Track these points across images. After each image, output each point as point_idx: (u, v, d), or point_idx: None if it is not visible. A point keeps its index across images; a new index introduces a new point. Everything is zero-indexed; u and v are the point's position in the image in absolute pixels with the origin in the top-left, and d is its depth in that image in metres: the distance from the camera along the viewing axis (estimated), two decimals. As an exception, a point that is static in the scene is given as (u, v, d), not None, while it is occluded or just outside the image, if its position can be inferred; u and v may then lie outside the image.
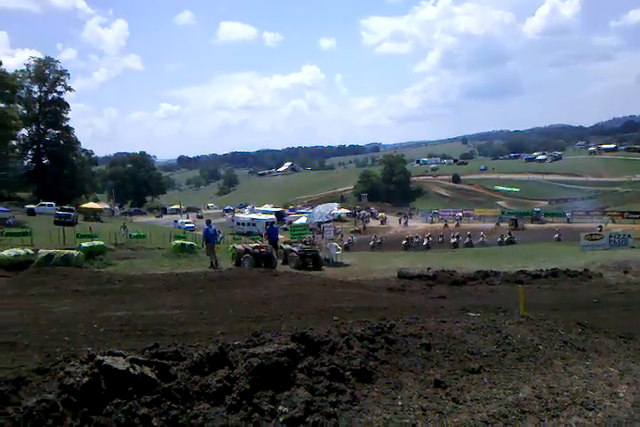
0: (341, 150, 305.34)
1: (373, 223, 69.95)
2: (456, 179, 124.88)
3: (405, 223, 66.00)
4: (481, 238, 42.94)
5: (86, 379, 3.45)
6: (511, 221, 56.13)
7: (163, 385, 3.67)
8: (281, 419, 3.58)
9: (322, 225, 23.08)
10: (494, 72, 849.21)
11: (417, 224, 66.25)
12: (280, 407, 3.70)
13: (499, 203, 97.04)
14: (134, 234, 37.42)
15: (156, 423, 3.33)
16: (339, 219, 58.79)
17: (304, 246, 20.52)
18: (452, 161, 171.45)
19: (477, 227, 55.70)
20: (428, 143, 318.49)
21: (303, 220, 48.15)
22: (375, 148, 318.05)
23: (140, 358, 3.90)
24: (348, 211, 76.11)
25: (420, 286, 12.52)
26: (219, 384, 3.87)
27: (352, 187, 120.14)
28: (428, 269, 14.43)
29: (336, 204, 34.06)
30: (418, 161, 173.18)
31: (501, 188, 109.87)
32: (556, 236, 40.26)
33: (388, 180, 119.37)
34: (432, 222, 67.28)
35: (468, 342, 5.22)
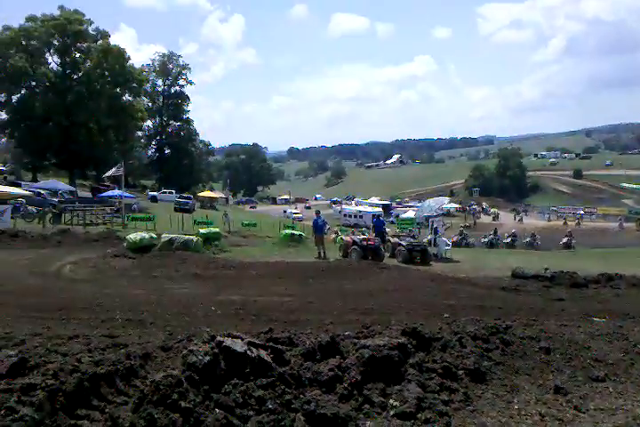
0: (452, 143, 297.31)
1: (485, 219, 67.62)
2: (577, 174, 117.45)
3: (520, 220, 63.08)
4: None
5: (207, 358, 3.63)
6: (638, 221, 51.74)
7: (278, 369, 3.77)
8: (391, 412, 3.57)
9: (430, 219, 22.65)
10: (624, 60, 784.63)
11: (533, 221, 63.05)
12: (391, 401, 3.69)
13: (625, 201, 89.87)
14: (246, 222, 38.89)
15: (270, 406, 3.43)
16: (448, 213, 57.47)
17: (412, 240, 20.27)
18: (573, 155, 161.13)
19: (600, 226, 52.06)
20: (546, 136, 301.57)
21: (411, 213, 47.50)
22: (489, 140, 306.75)
23: (257, 342, 4.04)
24: (457, 205, 74.15)
25: (537, 287, 11.88)
26: (330, 373, 3.92)
27: (463, 181, 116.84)
28: (546, 269, 13.67)
29: (446, 198, 33.28)
30: (535, 155, 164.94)
31: (629, 185, 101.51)
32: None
33: (501, 174, 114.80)
34: (549, 220, 63.84)
35: (591, 348, 4.90)
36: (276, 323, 6.09)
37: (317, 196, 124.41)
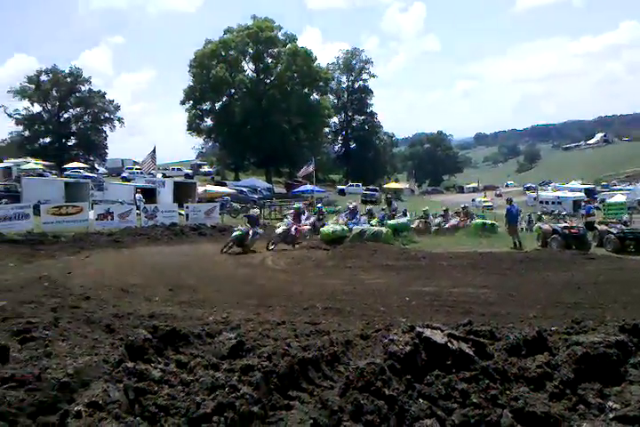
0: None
1: None
2: None
3: None
4: None
5: (408, 348, 3.65)
6: None
7: (480, 363, 3.66)
8: (611, 415, 3.25)
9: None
10: None
11: None
12: (610, 403, 3.37)
13: None
14: (433, 213, 38.36)
15: (475, 400, 3.33)
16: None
17: (624, 228, 18.24)
18: None
19: None
20: None
21: (620, 198, 42.92)
22: None
23: (457, 334, 3.96)
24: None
25: None
26: (539, 369, 3.70)
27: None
28: None
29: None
30: None
31: None
32: None
33: None
34: None
35: None
36: (472, 315, 5.92)
37: (509, 182, 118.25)
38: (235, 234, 16.52)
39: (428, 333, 3.77)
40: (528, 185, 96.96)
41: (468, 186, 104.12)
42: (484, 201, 68.59)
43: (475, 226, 22.16)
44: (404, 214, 25.39)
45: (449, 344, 3.73)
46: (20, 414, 2.98)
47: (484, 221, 23.83)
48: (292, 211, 19.43)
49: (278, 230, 17.38)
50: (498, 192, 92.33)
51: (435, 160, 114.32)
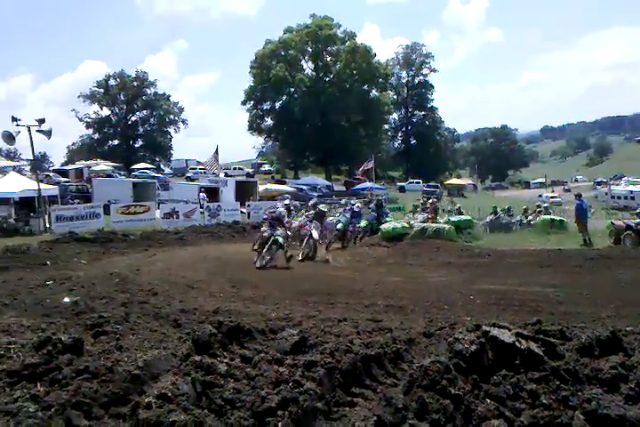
0: None
1: None
2: None
3: None
4: None
5: (474, 347, 3.56)
6: None
7: (550, 363, 3.53)
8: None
9: None
10: None
11: None
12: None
13: None
14: (498, 209, 37.43)
15: (545, 401, 3.22)
16: None
17: None
18: None
19: None
20: None
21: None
22: None
23: (525, 333, 3.84)
24: None
25: None
26: (613, 371, 3.53)
27: None
28: None
29: None
30: None
31: None
32: None
33: None
34: None
35: None
36: (541, 314, 5.72)
37: (578, 177, 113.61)
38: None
39: (494, 331, 3.67)
40: (599, 180, 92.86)
41: (535, 181, 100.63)
42: (552, 196, 66.20)
43: (542, 222, 21.42)
44: (460, 213, 24.76)
45: (517, 344, 3.63)
46: (93, 404, 3.11)
47: (552, 217, 23.01)
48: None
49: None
50: (566, 187, 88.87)
51: (499, 155, 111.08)
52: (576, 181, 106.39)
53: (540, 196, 68.80)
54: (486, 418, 2.99)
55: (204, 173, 47.37)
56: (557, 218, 22.54)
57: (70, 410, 2.98)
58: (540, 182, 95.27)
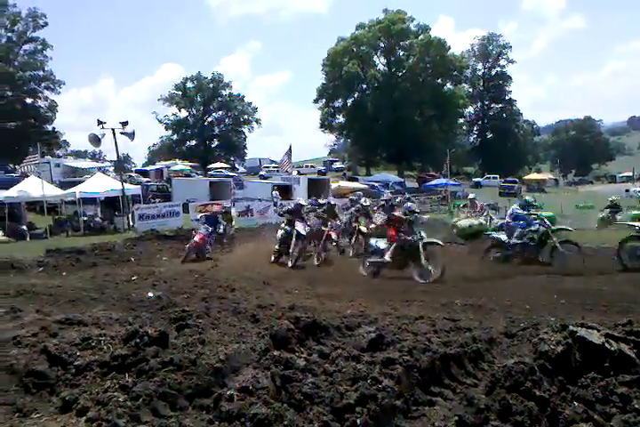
0: None
1: None
2: None
3: None
4: None
5: (560, 348, 3.43)
6: None
7: (643, 366, 3.35)
8: None
9: None
10: None
11: None
12: None
13: None
14: (581, 205, 35.80)
15: (637, 405, 3.07)
16: None
17: None
18: None
19: None
20: None
21: None
22: None
23: (615, 334, 3.66)
24: None
25: None
26: None
27: None
28: None
29: None
30: None
31: None
32: None
33: None
34: None
35: None
36: (632, 315, 5.39)
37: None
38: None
39: (582, 332, 3.53)
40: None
41: (622, 175, 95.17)
42: (641, 191, 62.34)
43: (632, 217, 20.22)
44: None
45: (606, 345, 3.47)
46: (178, 395, 3.23)
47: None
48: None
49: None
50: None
51: (582, 148, 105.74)
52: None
53: (628, 190, 64.92)
54: (574, 422, 2.89)
55: (277, 171, 48.18)
56: (646, 213, 21.20)
57: (157, 400, 3.11)
58: (628, 176, 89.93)
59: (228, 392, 3.02)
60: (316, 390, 3.14)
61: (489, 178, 64.28)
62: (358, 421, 2.83)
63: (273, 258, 12.83)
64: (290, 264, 12.38)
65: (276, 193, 32.72)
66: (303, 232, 12.57)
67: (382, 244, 11.08)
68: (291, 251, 12.51)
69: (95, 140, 23.43)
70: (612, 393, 3.18)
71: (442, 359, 3.81)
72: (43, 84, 56.39)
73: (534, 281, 9.66)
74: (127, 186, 25.87)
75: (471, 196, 19.08)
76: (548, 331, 3.69)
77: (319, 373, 3.48)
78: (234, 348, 3.99)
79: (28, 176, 25.57)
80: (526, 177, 69.83)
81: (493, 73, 78.29)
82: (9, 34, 53.88)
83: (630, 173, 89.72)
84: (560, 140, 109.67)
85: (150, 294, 8.00)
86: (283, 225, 13.38)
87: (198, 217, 15.07)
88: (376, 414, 2.92)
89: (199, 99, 75.89)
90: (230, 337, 4.71)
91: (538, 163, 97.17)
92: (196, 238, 13.82)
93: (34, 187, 22.62)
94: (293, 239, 12.49)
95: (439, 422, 3.07)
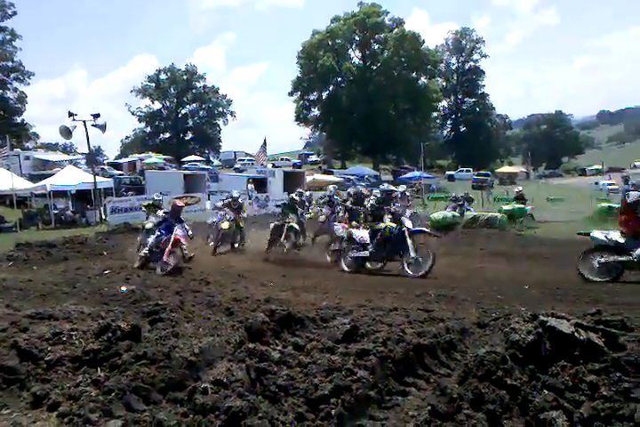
0: None
1: None
2: None
3: None
4: None
5: (531, 337, 3.49)
6: None
7: (611, 354, 3.42)
8: None
9: None
10: None
11: None
12: None
13: None
14: (551, 197, 36.45)
15: (605, 393, 3.13)
16: None
17: None
18: None
19: None
20: None
21: None
22: None
23: (585, 324, 3.73)
24: None
25: None
26: (680, 362, 3.40)
27: None
28: None
29: None
30: None
31: None
32: None
33: None
34: None
35: None
36: (600, 305, 5.52)
37: (637, 163, 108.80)
38: None
39: (552, 322, 3.59)
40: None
41: (591, 168, 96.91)
42: (610, 183, 63.56)
43: (599, 210, 20.66)
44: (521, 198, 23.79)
45: (576, 334, 3.53)
46: (151, 389, 3.20)
47: (609, 204, 22.14)
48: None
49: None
50: (625, 174, 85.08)
51: (552, 142, 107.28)
52: (635, 167, 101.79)
53: (597, 183, 66.19)
54: (544, 409, 2.94)
55: (252, 164, 47.89)
56: (615, 205, 21.67)
57: (130, 395, 3.08)
58: (597, 169, 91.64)
59: (202, 385, 3.00)
60: (290, 381, 3.14)
61: (462, 171, 64.92)
62: (333, 412, 2.84)
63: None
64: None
65: (251, 186, 32.56)
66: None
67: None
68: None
69: (66, 132, 22.99)
70: (581, 381, 3.23)
71: (415, 350, 3.85)
72: (12, 76, 54.99)
73: (506, 271, 9.78)
74: (99, 179, 25.48)
75: (401, 189, 18.93)
76: (519, 321, 3.75)
77: (294, 365, 3.48)
78: (208, 341, 3.97)
79: (-5, 168, 24.99)
80: (498, 170, 70.64)
81: (467, 67, 78.85)
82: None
83: (599, 167, 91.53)
84: (531, 134, 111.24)
85: (124, 288, 7.91)
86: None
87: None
88: (351, 404, 2.94)
89: (173, 91, 75.01)
90: (205, 330, 4.68)
91: (510, 156, 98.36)
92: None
93: (3, 180, 22.13)
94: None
95: (413, 412, 3.10)
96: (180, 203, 12.36)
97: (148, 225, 12.36)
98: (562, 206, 32.95)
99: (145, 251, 10.93)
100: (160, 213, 12.23)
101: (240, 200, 14.81)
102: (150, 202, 13.82)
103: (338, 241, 11.67)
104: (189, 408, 2.84)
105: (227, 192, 29.37)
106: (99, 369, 3.50)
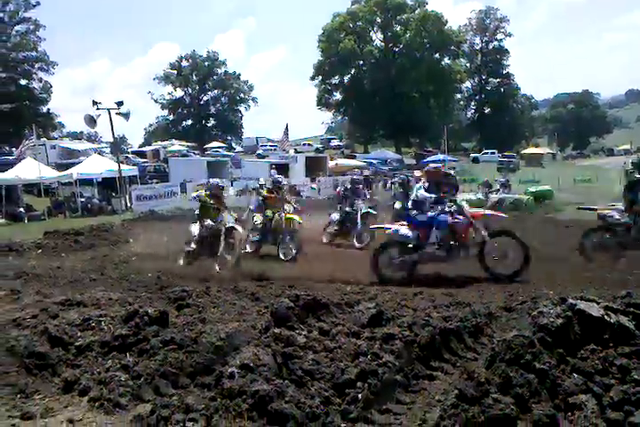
0: None
1: None
2: None
3: None
4: None
5: (560, 321, 3.43)
6: None
7: (642, 337, 3.37)
8: None
9: None
10: None
11: None
12: None
13: None
14: (579, 178, 35.80)
15: (636, 376, 3.08)
16: None
17: None
18: None
19: None
20: None
21: None
22: None
23: (615, 307, 3.66)
24: None
25: None
26: None
27: None
28: None
29: None
30: None
31: None
32: None
33: None
34: None
35: None
36: (631, 287, 5.41)
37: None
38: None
39: (581, 305, 3.53)
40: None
41: (619, 148, 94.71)
42: (639, 163, 62.01)
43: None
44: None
45: (606, 317, 3.47)
46: (179, 374, 3.24)
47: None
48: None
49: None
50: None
51: (579, 122, 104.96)
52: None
53: (625, 163, 64.53)
54: (573, 393, 2.90)
55: (275, 149, 47.93)
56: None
57: (159, 379, 3.12)
58: (625, 150, 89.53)
59: (229, 370, 3.03)
60: (316, 366, 3.15)
61: (487, 153, 64.03)
62: (359, 396, 2.85)
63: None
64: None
65: (274, 172, 32.60)
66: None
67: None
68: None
69: (91, 121, 23.18)
70: (611, 365, 3.19)
71: (441, 334, 3.83)
72: (36, 66, 55.59)
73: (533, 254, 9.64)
74: (124, 167, 25.70)
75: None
76: (547, 304, 3.70)
77: (320, 349, 3.50)
78: (234, 326, 4.00)
79: (24, 158, 25.37)
80: (524, 151, 69.51)
81: (491, 47, 77.29)
82: (0, 14, 53.01)
83: (628, 147, 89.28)
84: (558, 114, 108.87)
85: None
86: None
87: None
88: (377, 388, 2.94)
89: (195, 77, 75.18)
90: (230, 315, 4.72)
91: (535, 137, 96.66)
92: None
93: (30, 169, 22.48)
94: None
95: (439, 396, 3.10)
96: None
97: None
98: (590, 187, 32.33)
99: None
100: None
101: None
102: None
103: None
104: (217, 392, 2.87)
105: (250, 179, 29.65)
106: (127, 354, 3.56)
